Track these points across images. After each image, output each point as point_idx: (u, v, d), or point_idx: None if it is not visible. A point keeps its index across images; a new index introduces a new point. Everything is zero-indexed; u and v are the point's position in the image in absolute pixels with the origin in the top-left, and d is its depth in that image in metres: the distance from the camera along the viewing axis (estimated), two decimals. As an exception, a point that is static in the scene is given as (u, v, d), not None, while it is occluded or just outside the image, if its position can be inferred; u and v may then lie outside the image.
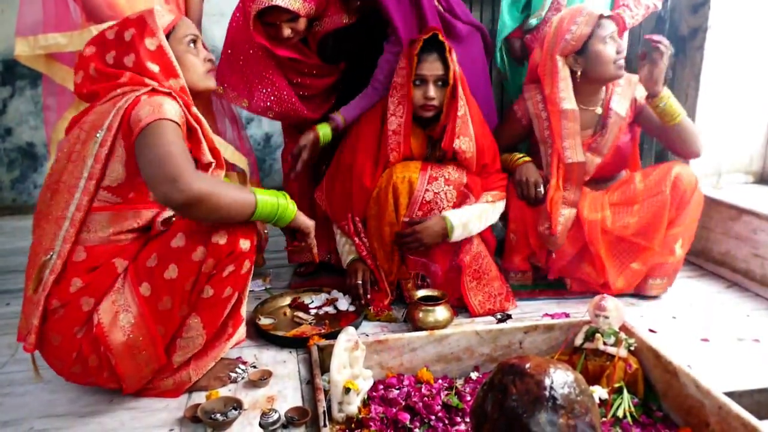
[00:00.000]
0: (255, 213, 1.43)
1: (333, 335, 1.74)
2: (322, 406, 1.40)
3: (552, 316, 2.00)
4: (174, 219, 1.47)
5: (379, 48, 2.18)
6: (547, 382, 1.09)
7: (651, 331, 1.91)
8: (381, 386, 1.58)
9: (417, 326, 1.86)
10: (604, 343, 1.57)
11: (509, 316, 2.03)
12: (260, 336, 1.90)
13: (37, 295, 1.38)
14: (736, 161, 2.68)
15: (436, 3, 2.17)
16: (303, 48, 2.15)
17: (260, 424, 1.42)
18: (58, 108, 2.17)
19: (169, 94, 1.45)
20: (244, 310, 1.65)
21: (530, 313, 2.07)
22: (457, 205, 2.05)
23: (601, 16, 2.00)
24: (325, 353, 1.62)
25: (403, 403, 1.50)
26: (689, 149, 2.08)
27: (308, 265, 2.44)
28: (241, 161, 2.24)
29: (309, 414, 1.45)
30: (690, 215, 2.07)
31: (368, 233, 2.11)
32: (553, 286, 2.27)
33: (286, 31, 1.98)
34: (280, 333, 1.89)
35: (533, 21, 2.43)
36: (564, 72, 2.03)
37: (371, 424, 1.42)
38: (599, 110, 2.12)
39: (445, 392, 1.57)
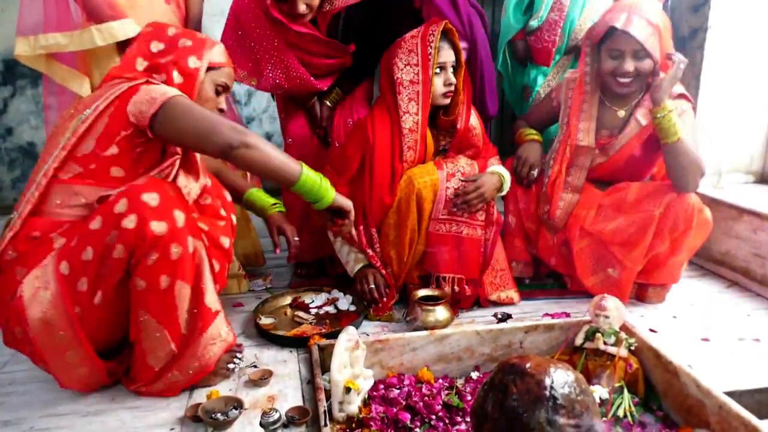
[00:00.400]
0: (298, 182, 1.52)
1: (333, 335, 1.73)
2: (322, 405, 1.40)
3: (552, 316, 2.01)
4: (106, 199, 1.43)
5: (386, 29, 2.20)
6: (548, 381, 1.09)
7: (651, 330, 1.91)
8: (381, 386, 1.59)
9: (417, 326, 1.86)
10: (605, 343, 1.57)
11: (509, 316, 2.02)
12: (261, 335, 1.90)
13: None
14: (736, 161, 2.68)
15: None
16: (314, 28, 2.16)
17: (261, 424, 1.42)
18: (59, 107, 2.17)
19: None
20: (212, 301, 1.53)
21: (530, 312, 2.07)
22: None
23: (617, 30, 1.92)
24: (326, 353, 1.62)
25: (404, 403, 1.50)
26: (679, 179, 1.95)
27: (309, 267, 2.44)
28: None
29: (309, 413, 1.45)
30: (693, 242, 2.05)
31: (382, 241, 2.07)
32: (554, 286, 2.27)
33: (301, 7, 1.98)
34: (280, 332, 1.89)
35: (534, 23, 2.43)
36: (588, 58, 2.05)
37: (372, 423, 1.42)
38: (622, 113, 2.06)
39: (446, 392, 1.57)
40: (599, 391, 1.48)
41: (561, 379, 1.10)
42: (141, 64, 1.56)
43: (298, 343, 1.83)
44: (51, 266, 1.40)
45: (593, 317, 1.62)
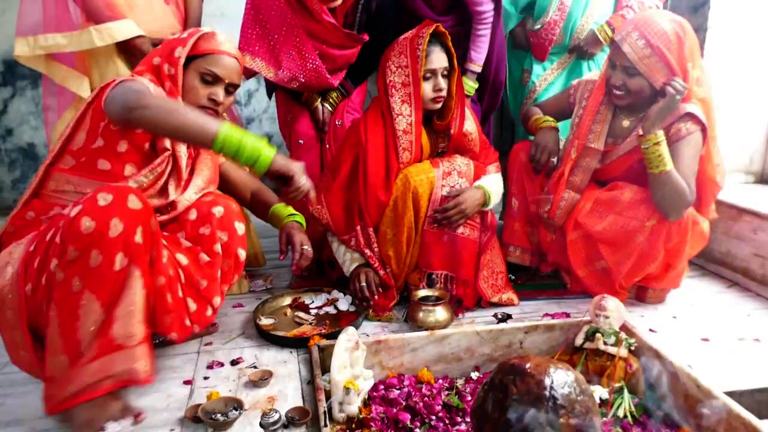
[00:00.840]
0: (217, 141, 1.38)
1: (333, 335, 1.73)
2: (322, 406, 1.40)
3: (552, 316, 2.01)
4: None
5: (397, 21, 2.27)
6: (548, 381, 1.09)
7: (651, 330, 1.91)
8: (381, 386, 1.58)
9: (417, 326, 1.87)
10: (605, 343, 1.57)
11: (509, 316, 2.03)
12: (261, 336, 1.90)
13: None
14: (736, 161, 2.68)
15: None
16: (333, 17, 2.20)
17: (261, 424, 1.42)
18: (59, 108, 2.17)
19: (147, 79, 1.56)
20: (120, 335, 1.34)
21: (530, 313, 2.07)
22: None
23: (614, 42, 1.92)
24: (326, 353, 1.62)
25: (404, 403, 1.50)
26: (661, 207, 1.92)
27: (309, 268, 2.43)
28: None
29: (310, 414, 1.45)
30: (690, 252, 2.05)
31: (380, 240, 2.07)
32: (554, 286, 2.27)
33: None
34: (280, 333, 1.89)
35: (537, 27, 2.44)
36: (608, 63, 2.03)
37: (372, 424, 1.42)
38: (626, 123, 2.05)
39: (446, 392, 1.57)
40: (599, 391, 1.48)
41: (561, 379, 1.10)
42: (144, 71, 1.62)
43: (298, 343, 1.83)
44: (24, 245, 1.40)
45: (593, 317, 1.62)
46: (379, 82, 2.05)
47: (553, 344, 1.73)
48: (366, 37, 2.28)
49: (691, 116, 1.91)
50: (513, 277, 2.30)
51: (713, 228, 2.15)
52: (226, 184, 1.89)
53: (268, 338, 1.88)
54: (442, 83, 1.98)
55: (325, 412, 1.38)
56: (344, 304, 2.11)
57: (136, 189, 1.42)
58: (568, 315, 2.01)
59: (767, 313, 2.06)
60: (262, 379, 1.62)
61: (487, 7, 2.30)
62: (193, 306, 1.58)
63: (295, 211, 1.88)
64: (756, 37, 2.51)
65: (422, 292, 1.97)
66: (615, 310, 1.60)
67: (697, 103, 1.95)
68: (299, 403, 1.53)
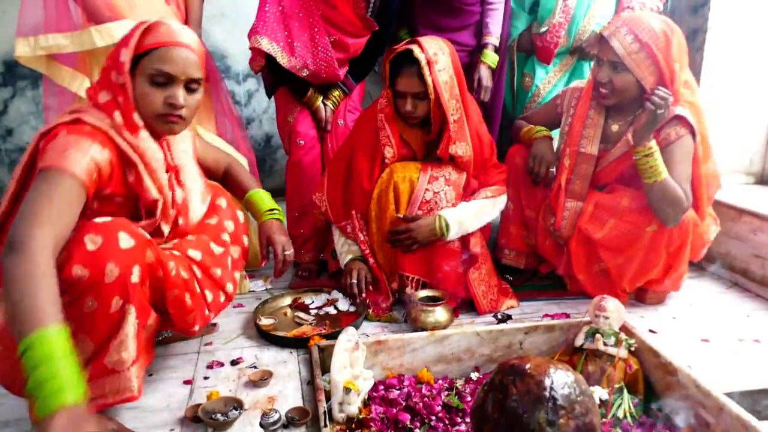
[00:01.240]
0: (20, 348, 1.00)
1: (333, 335, 1.73)
2: (322, 406, 1.40)
3: (552, 317, 2.01)
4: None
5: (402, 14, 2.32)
6: (548, 382, 1.09)
7: (651, 331, 1.91)
8: (381, 387, 1.59)
9: (417, 327, 1.87)
10: (605, 344, 1.57)
11: (509, 317, 2.03)
12: (261, 336, 1.91)
13: None
14: (736, 162, 2.69)
15: None
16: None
17: (261, 424, 1.42)
18: (59, 108, 2.17)
19: (92, 131, 1.31)
20: (114, 361, 1.30)
21: (530, 313, 2.07)
22: (456, 205, 2.05)
23: (602, 38, 1.92)
24: (326, 353, 1.62)
25: (404, 404, 1.50)
26: (658, 214, 1.91)
27: (309, 268, 2.44)
28: (241, 161, 2.24)
29: (309, 414, 1.45)
30: (692, 256, 2.05)
31: (369, 234, 2.11)
32: (553, 287, 2.27)
33: None
34: (280, 333, 1.89)
35: (543, 29, 2.44)
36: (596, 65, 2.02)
37: (372, 424, 1.42)
38: (615, 128, 2.04)
39: (446, 393, 1.57)
40: (599, 392, 1.48)
41: (561, 379, 1.10)
42: (98, 88, 1.41)
43: (298, 343, 1.83)
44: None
45: (593, 318, 1.62)
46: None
47: (553, 345, 1.73)
48: (376, 26, 2.28)
49: (680, 119, 1.91)
50: (511, 278, 2.30)
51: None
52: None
53: (268, 338, 1.88)
54: (410, 106, 1.95)
55: (325, 412, 1.38)
56: (344, 304, 2.11)
57: (125, 222, 1.32)
58: (567, 316, 2.01)
59: (767, 314, 2.06)
60: (262, 379, 1.62)
61: None
62: (210, 296, 1.57)
63: (273, 204, 1.77)
64: (756, 38, 2.51)
65: (422, 293, 1.97)
66: (615, 310, 1.60)
67: (686, 106, 1.95)
68: (299, 403, 1.53)
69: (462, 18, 2.42)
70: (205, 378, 1.67)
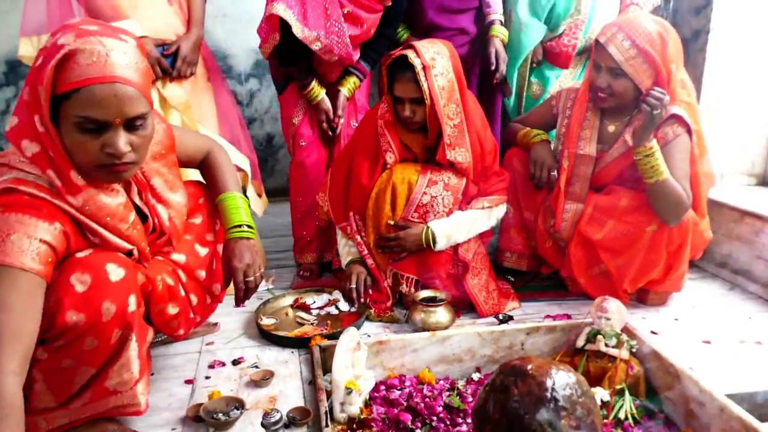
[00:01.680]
0: None
1: (335, 336, 1.74)
2: (324, 406, 1.41)
3: (554, 318, 2.01)
4: None
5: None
6: (549, 383, 1.09)
7: (653, 332, 1.91)
8: (383, 387, 1.59)
9: (419, 327, 1.87)
10: (606, 345, 1.57)
11: (511, 318, 2.03)
12: (262, 336, 1.91)
13: None
14: (738, 164, 2.68)
15: None
16: None
17: (262, 424, 1.43)
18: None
19: (32, 203, 1.12)
20: (114, 384, 1.28)
21: (532, 314, 2.07)
22: (452, 211, 2.05)
23: (598, 44, 1.92)
24: (327, 353, 1.62)
25: (405, 404, 1.50)
26: (661, 214, 1.91)
27: (311, 268, 2.44)
28: (242, 162, 2.25)
29: (311, 414, 1.45)
30: (692, 255, 2.05)
31: (366, 234, 2.11)
32: (555, 288, 2.27)
33: None
34: (282, 333, 1.89)
35: (561, 29, 2.40)
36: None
37: (373, 424, 1.42)
38: (612, 129, 2.05)
39: (447, 393, 1.57)
40: (600, 393, 1.48)
41: (562, 380, 1.10)
42: (20, 133, 1.17)
43: (300, 343, 1.83)
44: None
45: (595, 319, 1.62)
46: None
47: (555, 346, 1.73)
48: (389, 0, 2.25)
49: (676, 118, 1.92)
50: (512, 279, 2.30)
51: (715, 230, 2.15)
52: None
53: (269, 338, 1.88)
54: (408, 112, 1.95)
55: (326, 412, 1.39)
56: (345, 304, 2.11)
57: (109, 254, 1.23)
58: (569, 316, 2.01)
59: (769, 316, 2.06)
60: (263, 379, 1.62)
61: None
62: (194, 299, 1.53)
63: (242, 218, 1.52)
64: (759, 39, 2.51)
65: (423, 293, 1.97)
66: (616, 311, 1.60)
67: (682, 106, 1.95)
68: (300, 403, 1.53)
69: None
70: (207, 378, 1.67)
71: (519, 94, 2.58)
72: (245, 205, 1.55)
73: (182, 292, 1.50)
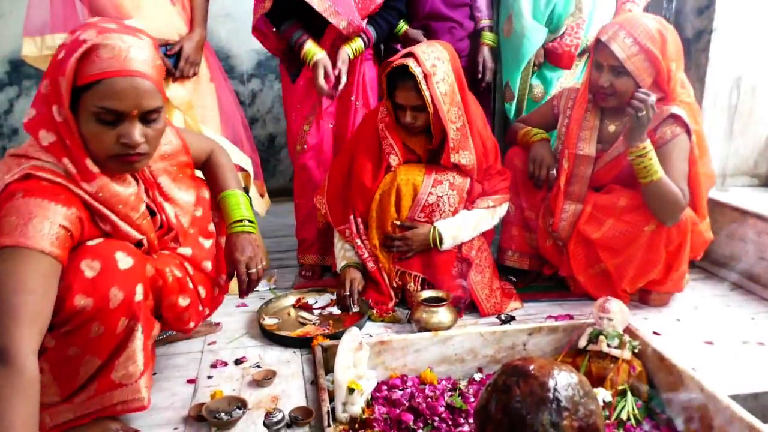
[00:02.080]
0: None
1: (337, 336, 1.74)
2: (326, 406, 1.41)
3: (556, 318, 2.00)
4: None
5: None
6: (551, 383, 1.09)
7: (655, 333, 1.91)
8: (385, 387, 1.59)
9: (421, 327, 1.87)
10: (608, 345, 1.57)
11: (513, 318, 2.03)
12: (264, 336, 1.91)
13: None
14: (740, 164, 2.68)
15: None
16: None
17: (264, 424, 1.43)
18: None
19: (50, 189, 1.17)
20: (120, 376, 1.29)
21: (534, 314, 2.07)
22: (457, 210, 2.06)
23: (599, 42, 1.92)
24: (329, 353, 1.62)
25: (407, 404, 1.50)
26: (657, 214, 1.91)
27: (313, 268, 2.45)
28: (245, 162, 2.25)
29: (313, 414, 1.45)
30: (692, 254, 2.04)
31: (370, 236, 2.10)
32: (557, 288, 2.27)
33: None
34: (284, 333, 1.90)
35: (562, 29, 2.40)
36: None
37: (375, 424, 1.43)
38: (612, 128, 2.05)
39: (449, 393, 1.57)
40: (602, 394, 1.48)
41: (564, 381, 1.10)
42: (37, 124, 1.23)
43: (302, 343, 1.83)
44: None
45: (597, 319, 1.62)
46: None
47: (557, 346, 1.72)
48: None
49: (675, 118, 1.92)
50: (515, 279, 2.30)
51: (718, 230, 2.15)
52: None
53: (271, 338, 1.88)
54: (410, 118, 1.95)
55: (328, 412, 1.39)
56: (338, 310, 2.11)
57: (119, 241, 1.27)
58: (571, 317, 2.01)
59: (771, 317, 2.06)
60: (265, 379, 1.62)
61: None
62: (203, 292, 1.53)
63: (243, 213, 1.56)
64: (761, 39, 2.50)
65: (425, 293, 1.97)
66: (618, 312, 1.60)
67: (682, 106, 1.95)
68: (302, 402, 1.53)
69: None
70: (209, 377, 1.68)
71: (520, 98, 2.58)
72: (246, 202, 1.59)
73: (190, 285, 1.50)
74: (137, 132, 1.20)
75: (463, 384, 1.62)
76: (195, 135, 1.74)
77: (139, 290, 1.26)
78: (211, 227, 1.60)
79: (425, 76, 1.87)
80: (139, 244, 1.35)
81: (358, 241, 2.10)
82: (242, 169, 2.27)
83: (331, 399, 1.47)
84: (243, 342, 1.89)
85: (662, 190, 1.87)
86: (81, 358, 1.23)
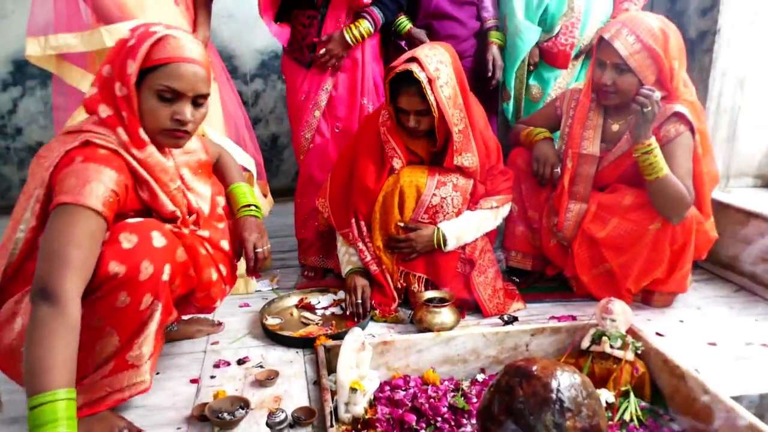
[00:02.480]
0: (29, 401, 1.10)
1: (340, 336, 1.74)
2: (328, 406, 1.41)
3: (558, 319, 2.00)
4: None
5: None
6: (554, 384, 1.09)
7: (658, 334, 1.90)
8: (387, 387, 1.59)
9: (423, 328, 1.87)
10: (611, 346, 1.57)
11: (516, 319, 2.03)
12: (267, 336, 1.91)
13: None
14: (744, 165, 2.67)
15: None
16: None
17: (267, 424, 1.43)
18: (68, 108, 2.18)
19: (106, 156, 1.30)
20: (135, 356, 1.35)
21: (537, 315, 2.07)
22: (461, 211, 2.05)
23: (605, 40, 1.92)
24: (332, 354, 1.63)
25: (410, 405, 1.50)
26: (663, 211, 1.92)
27: (315, 269, 2.45)
28: (248, 162, 2.25)
29: (315, 414, 1.45)
30: (696, 254, 2.04)
31: (373, 238, 2.10)
32: (560, 289, 2.27)
33: None
34: (287, 333, 1.90)
35: (557, 29, 2.41)
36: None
37: (377, 424, 1.43)
38: (616, 127, 2.05)
39: (452, 394, 1.57)
40: (605, 395, 1.47)
41: (567, 381, 1.10)
42: (97, 99, 1.37)
43: (305, 343, 1.83)
44: None
45: (600, 320, 1.62)
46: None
47: (559, 347, 1.72)
48: None
49: (679, 116, 1.92)
50: (517, 280, 2.30)
51: (721, 232, 2.14)
52: None
53: (274, 338, 1.89)
54: (413, 123, 1.95)
55: (330, 412, 1.39)
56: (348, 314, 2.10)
57: (157, 222, 1.38)
58: (574, 318, 2.01)
59: (775, 318, 2.05)
60: (268, 379, 1.62)
61: None
62: (224, 270, 1.60)
63: (250, 199, 1.71)
64: (766, 40, 2.49)
65: (428, 294, 1.97)
66: (621, 313, 1.60)
67: (686, 104, 1.95)
68: (305, 403, 1.53)
69: None
70: (212, 377, 1.68)
71: (517, 98, 2.59)
72: (252, 192, 1.74)
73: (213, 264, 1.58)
74: (189, 111, 1.37)
75: (465, 384, 1.62)
76: (206, 140, 1.83)
77: (167, 270, 1.35)
78: (220, 210, 1.68)
79: (429, 81, 1.87)
80: (172, 220, 1.46)
81: (360, 244, 2.10)
82: (245, 170, 2.27)
83: (334, 399, 1.47)
84: (246, 342, 1.89)
85: (668, 187, 1.87)
86: (102, 330, 1.29)
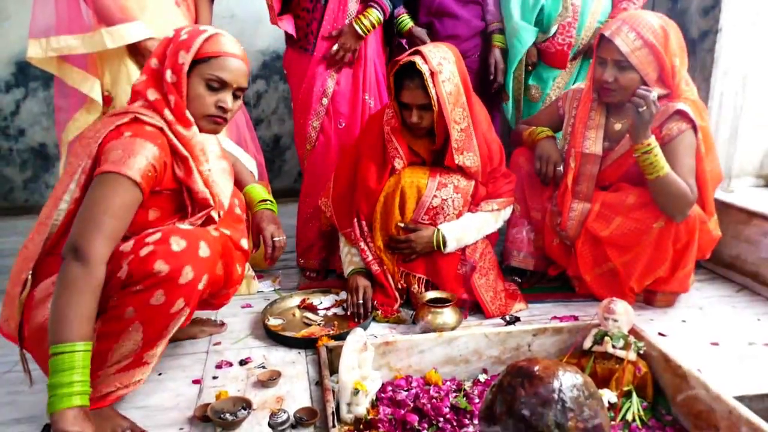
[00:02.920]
0: (51, 347, 1.21)
1: (342, 336, 1.74)
2: (330, 406, 1.41)
3: (561, 319, 2.00)
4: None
5: None
6: (556, 384, 1.09)
7: (660, 334, 1.90)
8: (389, 387, 1.59)
9: (425, 328, 1.87)
10: (613, 347, 1.57)
11: (518, 319, 2.02)
12: (269, 336, 1.91)
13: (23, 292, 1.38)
14: (746, 165, 2.66)
15: None
16: None
17: (269, 424, 1.43)
18: (70, 109, 2.18)
19: (152, 133, 1.40)
20: (149, 356, 1.41)
21: (539, 315, 2.07)
22: (461, 213, 2.05)
23: (603, 38, 1.93)
24: (334, 354, 1.63)
25: (412, 405, 1.51)
26: (665, 210, 1.92)
27: (317, 269, 2.45)
28: (249, 163, 2.26)
29: (318, 414, 1.45)
30: (699, 254, 2.04)
31: (374, 239, 2.10)
32: (562, 289, 2.27)
33: None
34: (289, 334, 1.90)
35: (553, 29, 2.41)
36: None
37: (380, 425, 1.43)
38: (618, 126, 2.06)
39: (454, 394, 1.57)
40: (608, 395, 1.47)
41: (570, 382, 1.10)
42: (146, 85, 1.49)
43: (307, 344, 1.83)
44: None
45: (602, 320, 1.62)
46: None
47: (562, 347, 1.72)
48: None
49: (681, 114, 1.92)
50: (519, 280, 2.30)
51: (723, 231, 2.14)
52: None
53: (276, 339, 1.89)
54: (416, 118, 1.95)
55: (333, 412, 1.39)
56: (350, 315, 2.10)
57: (206, 234, 1.47)
58: (576, 318, 2.01)
59: (777, 318, 2.05)
60: (270, 379, 1.62)
61: None
62: (239, 269, 1.69)
63: (266, 196, 1.83)
64: (767, 39, 2.49)
65: (430, 294, 1.97)
66: (624, 313, 1.60)
67: (688, 103, 1.95)
68: (307, 403, 1.54)
69: None
70: (214, 378, 1.68)
71: (517, 98, 2.59)
72: (265, 190, 1.86)
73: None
74: (231, 99, 1.52)
75: (467, 385, 1.62)
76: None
77: (204, 280, 1.41)
78: (238, 210, 1.76)
79: (432, 74, 1.88)
80: (202, 208, 1.54)
81: (362, 244, 2.10)
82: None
83: (336, 399, 1.47)
84: (248, 343, 1.89)
85: (669, 185, 1.87)
86: (130, 323, 1.34)
